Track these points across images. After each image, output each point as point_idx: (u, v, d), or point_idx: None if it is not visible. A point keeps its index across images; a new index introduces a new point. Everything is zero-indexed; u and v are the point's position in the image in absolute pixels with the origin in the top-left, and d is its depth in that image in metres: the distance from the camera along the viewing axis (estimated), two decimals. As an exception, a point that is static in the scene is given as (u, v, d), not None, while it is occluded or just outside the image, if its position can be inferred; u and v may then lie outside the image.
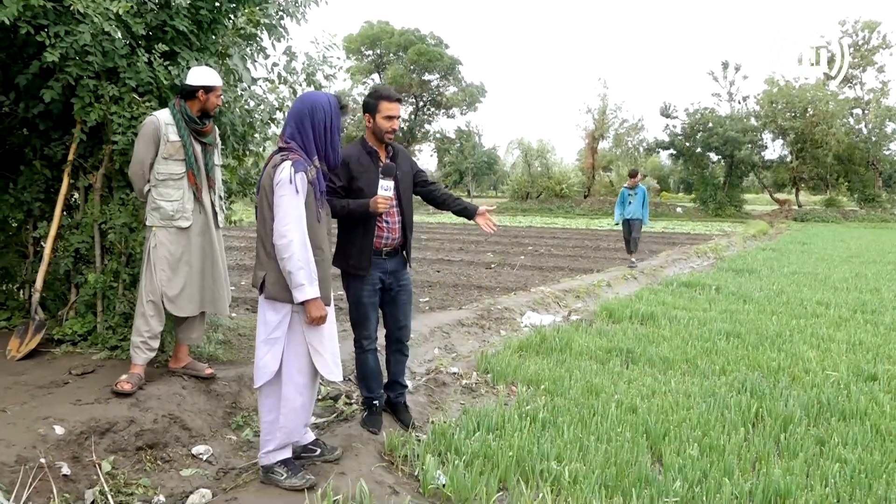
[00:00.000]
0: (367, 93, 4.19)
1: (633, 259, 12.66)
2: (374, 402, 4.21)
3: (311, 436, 3.68)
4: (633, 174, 12.90)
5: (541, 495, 3.31)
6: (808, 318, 7.75)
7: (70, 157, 4.80)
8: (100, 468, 3.40)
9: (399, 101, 4.05)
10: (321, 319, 3.33)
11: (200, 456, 3.86)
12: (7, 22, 3.93)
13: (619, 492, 3.36)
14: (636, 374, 5.41)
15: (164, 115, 4.14)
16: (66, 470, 3.27)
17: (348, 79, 43.75)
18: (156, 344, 4.20)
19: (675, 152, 39.89)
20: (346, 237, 4.05)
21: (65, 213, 4.97)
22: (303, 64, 5.52)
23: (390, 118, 3.96)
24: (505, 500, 3.37)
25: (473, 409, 4.49)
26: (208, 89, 4.12)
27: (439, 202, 4.37)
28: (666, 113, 38.95)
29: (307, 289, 3.23)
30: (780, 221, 32.75)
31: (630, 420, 4.24)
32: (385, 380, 4.40)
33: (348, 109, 5.31)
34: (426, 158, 52.39)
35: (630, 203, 12.56)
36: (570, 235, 22.90)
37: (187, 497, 3.37)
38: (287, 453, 3.43)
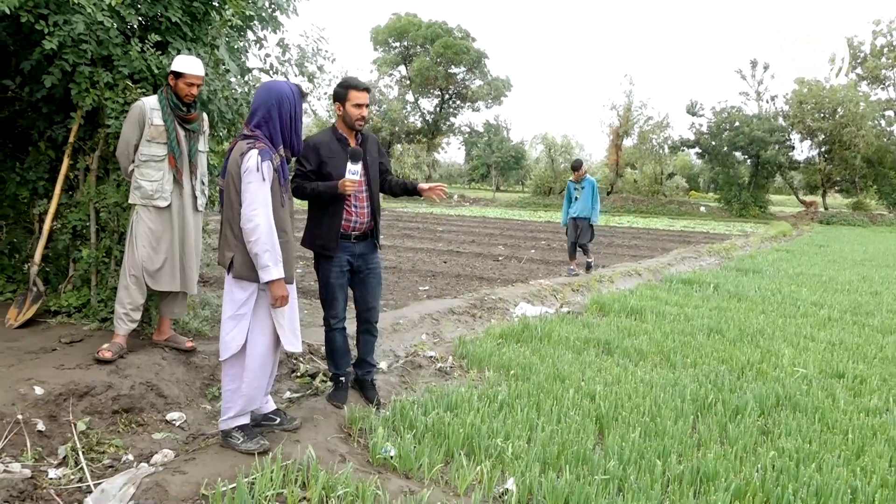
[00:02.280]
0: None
1: (574, 267, 10.92)
2: (341, 378, 4.44)
3: (271, 405, 3.92)
4: (576, 165, 10.96)
5: (479, 468, 3.51)
6: (797, 317, 7.82)
7: (70, 139, 5.09)
8: (75, 427, 3.67)
9: (367, 90, 4.27)
10: (284, 300, 3.57)
11: (174, 422, 4.12)
12: (8, 11, 4.21)
13: (555, 468, 3.54)
14: (608, 363, 5.57)
15: (150, 101, 4.40)
16: (41, 426, 3.54)
17: (375, 70, 44.07)
18: (137, 316, 4.46)
19: (700, 151, 39.56)
20: (316, 219, 4.28)
21: (65, 192, 5.26)
22: (296, 56, 5.76)
23: (359, 106, 4.17)
24: (447, 471, 3.57)
25: (436, 389, 4.70)
26: (177, 75, 4.33)
27: (390, 189, 4.58)
28: (692, 111, 38.64)
29: (272, 269, 3.47)
30: (805, 223, 32.39)
31: (585, 405, 4.42)
32: (354, 358, 4.62)
33: (307, 97, 5.54)
34: (453, 151, 52.53)
35: (577, 199, 10.80)
36: (586, 231, 22.88)
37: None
38: (245, 420, 3.67)
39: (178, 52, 4.74)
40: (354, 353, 4.66)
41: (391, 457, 3.63)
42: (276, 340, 3.69)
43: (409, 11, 43.09)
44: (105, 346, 4.31)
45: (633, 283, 10.70)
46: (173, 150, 4.40)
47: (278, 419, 3.88)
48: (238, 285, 3.59)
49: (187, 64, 4.36)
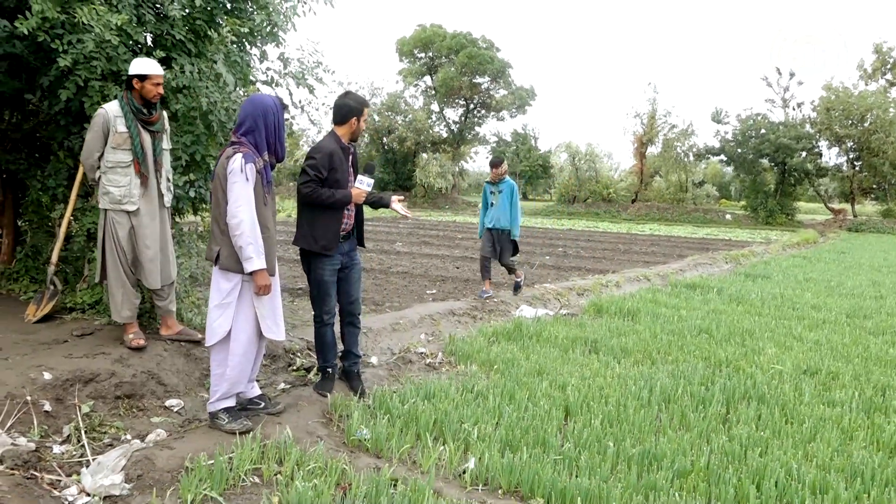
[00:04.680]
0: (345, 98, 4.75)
1: (488, 288, 8.88)
2: (328, 369, 4.76)
3: (257, 390, 4.26)
4: (495, 162, 8.69)
5: (442, 448, 3.79)
6: (791, 319, 7.95)
7: (84, 148, 5.49)
8: (79, 409, 4.03)
9: (368, 105, 4.64)
10: (267, 288, 3.93)
11: (172, 408, 4.46)
12: (26, 31, 4.63)
13: (515, 448, 3.80)
14: (591, 360, 5.81)
15: (113, 108, 4.59)
16: (47, 407, 3.90)
17: (400, 80, 44.58)
18: (137, 301, 4.81)
19: (725, 158, 39.32)
20: (318, 221, 4.61)
21: (81, 197, 5.67)
22: (296, 69, 6.12)
23: (363, 122, 4.59)
24: (415, 452, 3.85)
25: (418, 380, 4.99)
26: (142, 77, 4.55)
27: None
28: (717, 118, 38.44)
29: (255, 261, 3.83)
30: (832, 231, 32.02)
31: (556, 395, 4.67)
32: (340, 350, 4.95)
33: (289, 109, 5.92)
34: (481, 161, 52.80)
35: (493, 205, 8.60)
36: (606, 239, 23.02)
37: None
38: (231, 402, 4.01)
39: (180, 67, 5.12)
40: (341, 346, 4.97)
41: (366, 438, 3.92)
42: (259, 328, 4.03)
43: (434, 23, 43.61)
44: (131, 335, 4.69)
45: (639, 288, 10.87)
46: (138, 155, 4.62)
47: (263, 403, 4.21)
48: (224, 276, 3.94)
49: (149, 66, 4.57)
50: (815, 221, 36.67)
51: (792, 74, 37.01)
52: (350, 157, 4.69)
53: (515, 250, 8.85)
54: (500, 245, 8.68)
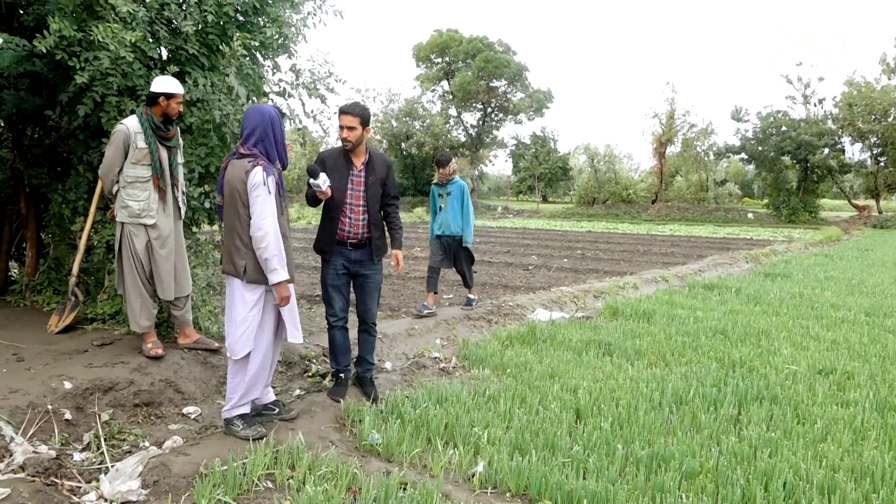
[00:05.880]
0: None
1: (430, 304, 7.67)
2: (341, 374, 4.84)
3: (271, 395, 4.34)
4: (442, 160, 7.81)
5: (451, 452, 3.83)
6: (809, 318, 7.90)
7: (103, 162, 5.63)
8: (99, 417, 4.14)
9: (345, 112, 4.66)
10: (288, 299, 4.02)
11: (189, 415, 4.56)
12: (45, 50, 4.77)
13: (525, 452, 3.84)
14: (604, 363, 5.82)
15: (133, 124, 4.69)
16: (68, 416, 4.01)
17: (418, 86, 44.79)
18: (155, 311, 4.92)
19: (745, 157, 38.97)
20: (320, 226, 4.78)
21: (100, 210, 5.80)
22: (308, 79, 6.22)
23: (341, 128, 4.61)
24: (426, 456, 3.91)
25: (431, 385, 5.04)
26: (169, 96, 4.68)
27: (384, 220, 4.98)
28: (737, 116, 38.15)
29: (280, 272, 3.94)
30: (857, 228, 31.60)
31: (567, 398, 4.70)
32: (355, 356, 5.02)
33: (299, 119, 6.04)
34: (500, 164, 52.96)
35: (441, 208, 7.74)
36: (625, 240, 22.94)
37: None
38: (246, 409, 4.09)
39: (194, 81, 5.23)
40: (356, 352, 5.04)
41: (377, 443, 3.98)
42: (276, 336, 4.12)
43: (451, 28, 43.79)
44: (149, 345, 4.80)
45: (656, 289, 10.84)
46: (157, 170, 4.75)
47: (277, 409, 4.29)
48: (249, 289, 4.04)
49: (174, 85, 4.70)
50: (839, 219, 36.21)
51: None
52: (352, 166, 4.79)
53: (471, 260, 8.07)
54: (454, 254, 7.87)
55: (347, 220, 4.68)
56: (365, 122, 4.67)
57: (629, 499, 3.33)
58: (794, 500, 3.33)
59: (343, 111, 4.61)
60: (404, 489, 3.42)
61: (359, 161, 4.76)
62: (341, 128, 4.60)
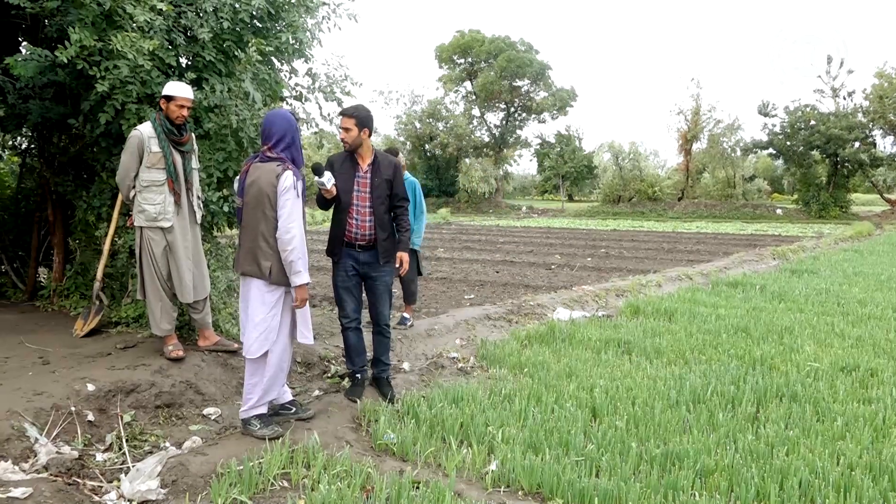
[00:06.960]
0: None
1: (408, 314, 7.09)
2: (357, 374, 4.88)
3: (288, 395, 4.41)
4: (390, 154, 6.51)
5: (465, 451, 3.85)
6: (835, 315, 7.78)
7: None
8: (121, 419, 4.23)
9: (341, 114, 4.71)
10: (306, 301, 4.10)
11: (209, 416, 4.64)
12: (66, 60, 4.88)
13: (539, 450, 3.85)
14: (622, 361, 5.80)
15: (146, 129, 4.80)
16: (91, 417, 4.11)
17: (441, 87, 44.85)
18: (175, 314, 5.01)
19: (773, 152, 38.39)
20: (330, 228, 4.86)
21: (122, 215, 5.92)
22: (324, 83, 6.28)
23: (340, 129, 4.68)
24: (440, 455, 3.93)
25: (447, 385, 5.06)
26: (168, 98, 4.76)
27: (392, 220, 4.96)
28: (764, 111, 37.59)
29: (304, 274, 4.04)
30: (889, 222, 30.99)
31: (583, 397, 4.69)
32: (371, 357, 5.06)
33: (315, 123, 6.13)
34: (525, 163, 52.85)
35: None
36: (650, 238, 22.74)
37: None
38: (263, 409, 4.16)
39: (211, 87, 5.32)
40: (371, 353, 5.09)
41: (392, 442, 4.02)
42: (292, 337, 4.19)
43: (473, 28, 43.85)
44: (170, 347, 4.89)
45: (679, 287, 10.74)
46: (171, 174, 4.84)
47: (294, 409, 4.35)
48: (270, 290, 4.11)
49: (177, 88, 4.79)
50: (871, 213, 35.51)
51: (842, 63, 35.93)
52: (358, 167, 4.85)
53: (419, 269, 7.18)
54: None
55: (354, 221, 4.73)
56: (361, 124, 4.67)
57: (642, 497, 3.32)
58: (809, 497, 3.29)
59: (340, 113, 4.71)
60: (417, 488, 3.44)
61: (364, 162, 4.81)
62: (340, 129, 4.69)
